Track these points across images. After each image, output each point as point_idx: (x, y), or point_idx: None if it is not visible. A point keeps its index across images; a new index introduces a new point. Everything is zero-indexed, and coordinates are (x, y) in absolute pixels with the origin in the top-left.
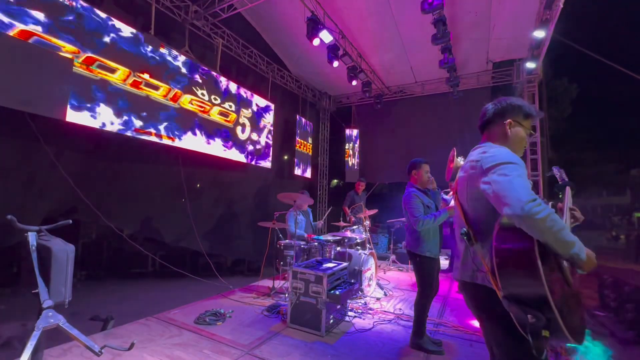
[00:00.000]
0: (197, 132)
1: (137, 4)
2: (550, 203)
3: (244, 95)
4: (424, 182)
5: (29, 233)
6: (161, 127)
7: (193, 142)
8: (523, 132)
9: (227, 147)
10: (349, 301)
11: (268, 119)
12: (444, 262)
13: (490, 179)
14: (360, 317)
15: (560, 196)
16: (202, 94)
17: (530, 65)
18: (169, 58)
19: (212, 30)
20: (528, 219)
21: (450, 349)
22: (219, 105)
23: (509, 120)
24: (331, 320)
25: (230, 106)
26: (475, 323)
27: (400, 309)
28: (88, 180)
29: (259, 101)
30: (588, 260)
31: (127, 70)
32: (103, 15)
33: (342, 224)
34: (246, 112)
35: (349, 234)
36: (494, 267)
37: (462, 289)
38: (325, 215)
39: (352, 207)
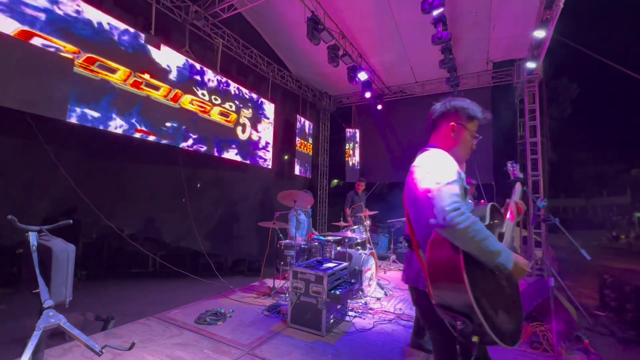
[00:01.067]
0: (197, 132)
1: (137, 4)
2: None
3: (244, 96)
4: None
5: (30, 233)
6: (161, 127)
7: (193, 141)
8: (467, 134)
9: (226, 148)
10: (349, 301)
11: (268, 119)
12: None
13: (425, 187)
14: (360, 317)
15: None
16: (203, 94)
17: (531, 65)
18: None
19: (213, 30)
20: (450, 230)
21: None
22: (219, 105)
23: (452, 123)
24: (331, 320)
25: (231, 106)
26: None
27: (400, 308)
28: (88, 180)
29: (259, 101)
30: (516, 269)
31: (128, 70)
32: (103, 15)
33: (342, 224)
34: (246, 112)
35: (349, 234)
36: (426, 276)
37: (410, 291)
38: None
39: (352, 207)
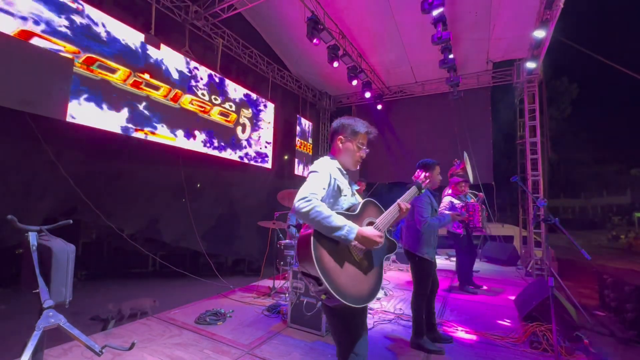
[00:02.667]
0: (197, 133)
1: (137, 4)
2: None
3: (244, 96)
4: (435, 183)
5: (30, 233)
6: (161, 127)
7: (193, 142)
8: (352, 146)
9: (226, 148)
10: None
11: (268, 119)
12: (445, 262)
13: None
14: None
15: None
16: (203, 94)
17: (531, 65)
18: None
19: (213, 30)
20: (298, 214)
21: (450, 349)
22: (219, 105)
23: (339, 137)
24: None
25: (231, 106)
26: (476, 323)
27: (400, 308)
28: (88, 180)
29: (259, 101)
30: (361, 239)
31: (128, 70)
32: (103, 15)
33: None
34: (246, 112)
35: None
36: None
37: None
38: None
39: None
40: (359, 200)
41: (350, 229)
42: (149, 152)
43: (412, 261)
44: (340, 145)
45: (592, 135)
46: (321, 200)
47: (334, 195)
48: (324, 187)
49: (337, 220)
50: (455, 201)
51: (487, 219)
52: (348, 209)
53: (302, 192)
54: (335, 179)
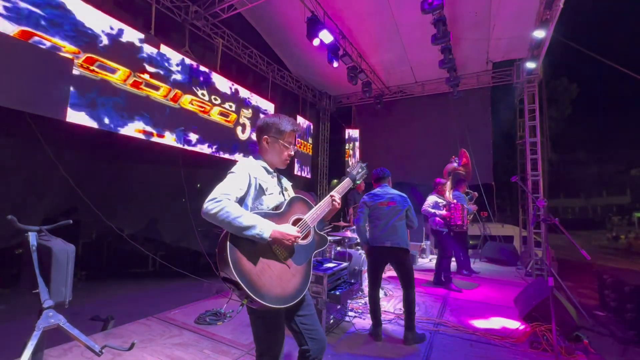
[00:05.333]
0: (197, 133)
1: (137, 4)
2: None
3: (244, 96)
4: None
5: (30, 233)
6: (161, 128)
7: (193, 142)
8: (278, 145)
9: (226, 148)
10: (349, 301)
11: None
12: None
13: None
14: (360, 317)
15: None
16: (203, 94)
17: (530, 65)
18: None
19: (212, 30)
20: (206, 215)
21: (451, 349)
22: (219, 105)
23: (265, 137)
24: (331, 320)
25: (231, 106)
26: (476, 323)
27: (400, 308)
28: (88, 180)
29: (259, 101)
30: (278, 237)
31: (128, 70)
32: (103, 15)
33: (342, 223)
34: (246, 112)
35: (349, 233)
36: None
37: None
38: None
39: (354, 206)
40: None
41: (262, 227)
42: (149, 152)
43: (407, 258)
44: (266, 145)
45: (592, 135)
46: (241, 201)
47: (256, 194)
48: (240, 187)
49: (248, 219)
50: (440, 200)
51: (486, 219)
52: (275, 208)
53: (213, 193)
54: (255, 177)
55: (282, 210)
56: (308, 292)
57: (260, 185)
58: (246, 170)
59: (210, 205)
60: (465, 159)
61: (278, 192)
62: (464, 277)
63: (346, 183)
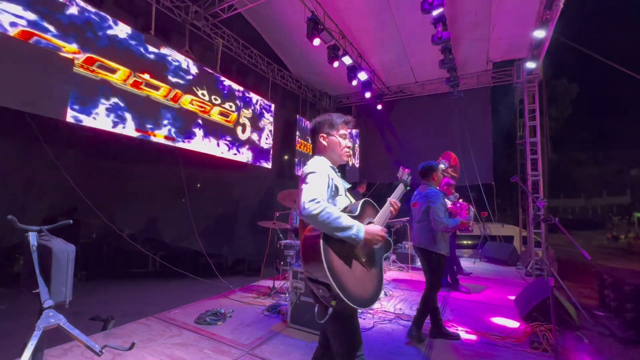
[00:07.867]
0: (197, 132)
1: (137, 4)
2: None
3: (244, 96)
4: (439, 184)
5: (30, 233)
6: (161, 127)
7: (193, 142)
8: (335, 139)
9: (228, 147)
10: None
11: (268, 119)
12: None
13: (300, 186)
14: (360, 317)
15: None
16: (203, 94)
17: (530, 65)
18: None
19: (213, 30)
20: (307, 217)
21: (450, 349)
22: (219, 105)
23: (321, 135)
24: None
25: (231, 106)
26: (476, 323)
27: (400, 308)
28: (88, 180)
29: (259, 101)
30: (369, 237)
31: (128, 70)
32: (103, 15)
33: None
34: (246, 112)
35: None
36: (301, 255)
37: None
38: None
39: None
40: (351, 200)
41: (359, 227)
42: (149, 152)
43: (427, 258)
44: (324, 142)
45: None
46: None
47: (331, 195)
48: (326, 187)
49: (347, 220)
50: (447, 201)
51: (486, 219)
52: (344, 210)
53: (309, 193)
54: (332, 178)
55: (357, 213)
56: None
57: (335, 185)
58: (325, 170)
59: (312, 206)
60: (454, 161)
61: (344, 193)
62: (470, 279)
63: (400, 189)
